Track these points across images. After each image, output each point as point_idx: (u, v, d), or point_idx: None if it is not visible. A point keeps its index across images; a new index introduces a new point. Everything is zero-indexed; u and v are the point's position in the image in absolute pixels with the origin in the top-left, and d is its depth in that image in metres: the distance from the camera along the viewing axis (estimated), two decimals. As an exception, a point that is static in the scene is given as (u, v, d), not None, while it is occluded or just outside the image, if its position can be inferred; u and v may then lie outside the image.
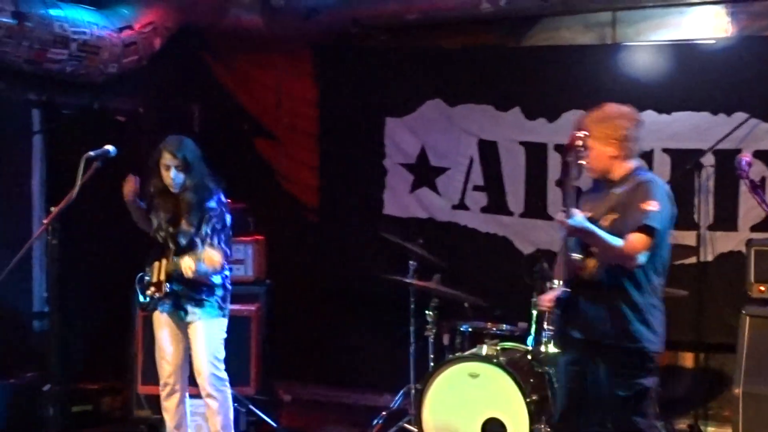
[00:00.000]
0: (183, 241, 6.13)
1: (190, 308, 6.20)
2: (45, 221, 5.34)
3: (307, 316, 8.75)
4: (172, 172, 6.08)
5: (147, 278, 6.21)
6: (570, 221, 4.91)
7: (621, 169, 5.14)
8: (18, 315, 7.67)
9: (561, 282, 5.15)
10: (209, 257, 5.95)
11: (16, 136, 7.80)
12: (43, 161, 8.02)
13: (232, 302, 6.49)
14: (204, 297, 6.20)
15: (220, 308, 6.27)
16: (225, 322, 6.31)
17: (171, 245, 6.14)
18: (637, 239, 4.91)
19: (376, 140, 8.66)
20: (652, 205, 4.92)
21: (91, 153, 5.31)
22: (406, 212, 8.61)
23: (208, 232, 6.12)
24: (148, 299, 6.19)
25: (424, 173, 8.56)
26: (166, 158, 6.08)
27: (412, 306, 7.20)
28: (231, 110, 8.96)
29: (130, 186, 6.18)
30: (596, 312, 5.06)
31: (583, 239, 5.05)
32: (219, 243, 6.05)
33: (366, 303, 8.46)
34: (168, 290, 6.12)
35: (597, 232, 4.89)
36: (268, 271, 7.82)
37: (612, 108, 5.16)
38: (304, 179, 8.96)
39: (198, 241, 6.10)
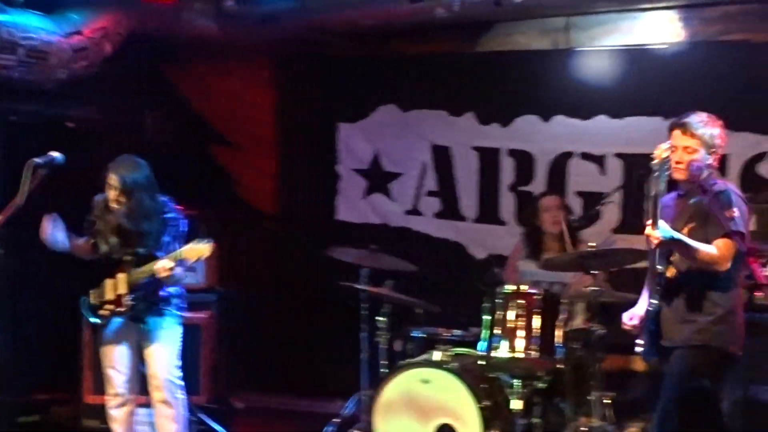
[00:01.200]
0: (142, 251, 6.15)
1: (149, 317, 6.22)
2: None
3: (261, 324, 8.75)
4: (112, 194, 6.10)
5: (92, 300, 6.22)
6: (660, 234, 5.08)
7: (703, 178, 5.31)
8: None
9: (647, 295, 5.37)
10: (193, 249, 5.94)
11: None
12: None
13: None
14: (162, 305, 6.23)
15: (178, 316, 6.33)
16: (181, 329, 6.35)
17: (128, 258, 6.16)
18: (726, 245, 5.12)
19: (331, 146, 8.74)
20: (735, 212, 5.13)
21: (37, 160, 5.19)
22: (359, 218, 8.67)
23: (170, 240, 6.16)
24: (100, 319, 6.22)
25: (378, 178, 8.63)
26: (111, 179, 6.10)
27: (364, 312, 7.17)
28: (186, 117, 8.94)
29: (45, 229, 6.10)
30: (684, 317, 5.26)
31: (675, 250, 5.22)
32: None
33: (319, 310, 8.51)
34: (130, 302, 6.13)
35: (690, 242, 5.08)
36: (220, 279, 7.87)
37: (711, 116, 5.30)
38: (261, 186, 8.96)
39: (157, 251, 6.15)
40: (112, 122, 8.27)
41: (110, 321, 6.18)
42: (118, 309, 6.10)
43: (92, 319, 6.19)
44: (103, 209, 6.17)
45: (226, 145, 9.03)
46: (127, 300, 6.07)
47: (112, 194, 6.03)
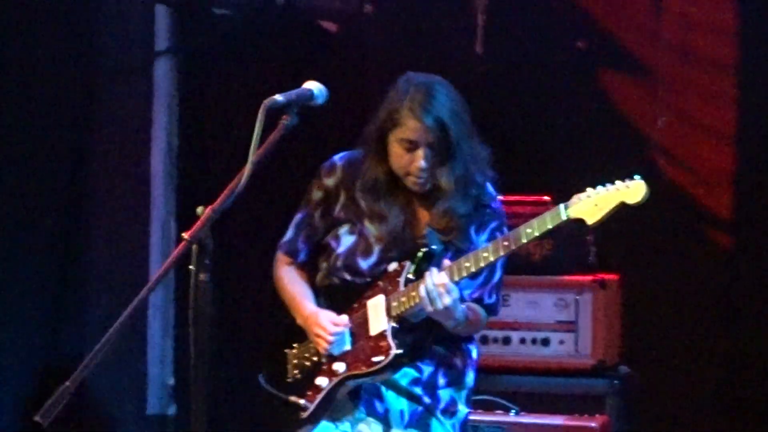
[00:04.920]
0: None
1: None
2: (185, 234, 3.57)
3: None
4: (423, 154, 4.50)
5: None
6: None
7: None
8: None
9: None
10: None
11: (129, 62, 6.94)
12: (173, 113, 6.82)
13: (538, 409, 5.73)
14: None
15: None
16: None
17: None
18: None
19: None
20: None
21: (278, 98, 3.72)
22: None
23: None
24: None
25: None
26: (412, 128, 4.46)
27: None
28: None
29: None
30: None
31: None
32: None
33: None
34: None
35: None
36: (626, 350, 6.08)
37: None
38: (718, 164, 6.82)
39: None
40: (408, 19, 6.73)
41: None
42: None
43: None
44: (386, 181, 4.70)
45: (630, 71, 6.86)
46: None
47: (418, 157, 4.51)
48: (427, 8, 6.90)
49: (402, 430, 4.48)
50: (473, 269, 4.28)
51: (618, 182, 4.19)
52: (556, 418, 5.55)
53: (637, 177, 4.15)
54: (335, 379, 4.38)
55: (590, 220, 4.18)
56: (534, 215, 4.36)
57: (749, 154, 6.70)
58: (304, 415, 4.43)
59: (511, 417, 5.64)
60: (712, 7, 6.70)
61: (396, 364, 4.31)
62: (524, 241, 4.21)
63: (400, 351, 4.28)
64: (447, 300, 4.19)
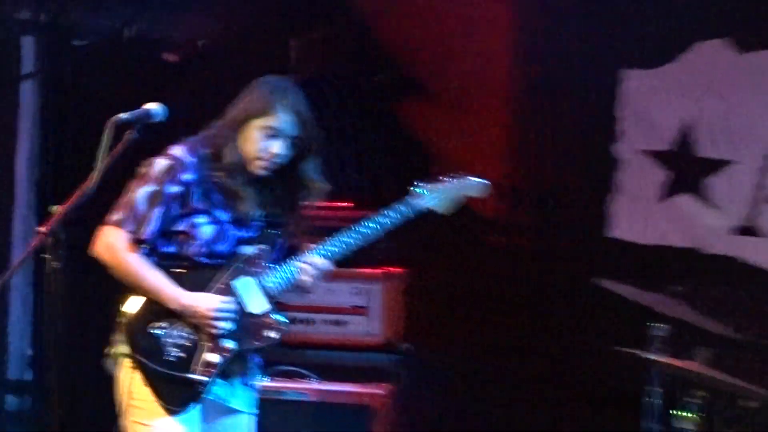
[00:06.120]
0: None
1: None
2: (40, 228, 4.21)
3: (475, 408, 7.35)
4: (278, 144, 4.96)
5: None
6: None
7: None
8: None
9: None
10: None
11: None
12: (36, 126, 7.44)
13: (340, 379, 6.43)
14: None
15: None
16: None
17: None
18: None
19: (606, 109, 7.41)
20: None
21: (123, 115, 4.34)
22: (651, 236, 7.33)
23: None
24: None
25: (688, 169, 7.33)
26: (280, 119, 4.92)
27: (654, 401, 5.86)
28: (358, 48, 7.81)
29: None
30: None
31: None
32: None
33: (574, 390, 7.19)
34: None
35: None
36: (408, 330, 6.94)
37: None
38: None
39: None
40: (235, 51, 7.44)
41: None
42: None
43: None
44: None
45: (423, 97, 7.71)
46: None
47: (274, 146, 5.00)
48: (248, 43, 7.59)
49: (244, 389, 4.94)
50: (336, 251, 4.87)
51: (464, 178, 5.00)
52: (350, 386, 6.43)
53: (477, 178, 4.97)
54: (229, 355, 4.76)
55: (439, 209, 4.95)
56: (342, 219, 5.18)
57: (518, 166, 7.65)
58: (202, 389, 4.79)
59: (313, 384, 6.52)
60: (489, 42, 7.59)
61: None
62: (378, 229, 4.87)
63: (287, 322, 4.82)
64: (314, 278, 4.80)
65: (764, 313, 6.95)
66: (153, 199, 4.78)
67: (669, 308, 6.56)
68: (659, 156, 7.39)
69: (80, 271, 5.75)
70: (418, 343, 7.10)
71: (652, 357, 5.80)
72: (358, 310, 6.75)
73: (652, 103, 7.40)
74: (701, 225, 7.33)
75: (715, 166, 7.23)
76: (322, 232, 5.17)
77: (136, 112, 4.48)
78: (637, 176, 7.43)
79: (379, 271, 6.91)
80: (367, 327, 6.87)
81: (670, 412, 5.94)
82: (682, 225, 7.37)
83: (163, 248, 4.84)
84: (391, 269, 6.87)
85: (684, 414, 5.90)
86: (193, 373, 4.75)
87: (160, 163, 4.77)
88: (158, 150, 4.92)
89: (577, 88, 7.50)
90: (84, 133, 6.70)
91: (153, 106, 4.51)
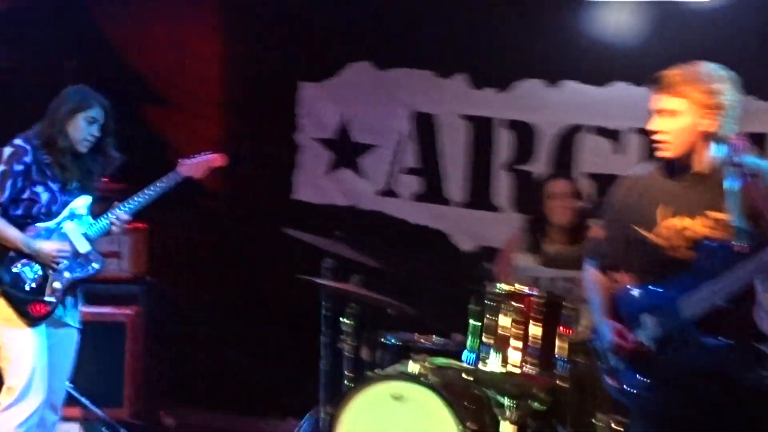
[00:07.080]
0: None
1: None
2: None
3: (198, 323, 8.37)
4: (95, 128, 5.76)
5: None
6: None
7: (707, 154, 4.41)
8: None
9: None
10: None
11: None
12: None
13: (102, 303, 6.80)
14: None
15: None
16: None
17: None
18: None
19: (289, 110, 8.37)
20: None
21: None
22: (322, 198, 8.38)
23: None
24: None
25: (345, 151, 8.31)
26: (97, 110, 5.79)
27: (325, 313, 6.80)
28: (114, 69, 8.51)
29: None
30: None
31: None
32: None
33: (270, 309, 8.16)
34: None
35: None
36: (150, 268, 7.67)
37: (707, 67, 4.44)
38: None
39: None
40: (26, 72, 8.06)
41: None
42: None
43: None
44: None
45: (161, 105, 8.61)
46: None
47: (93, 130, 5.73)
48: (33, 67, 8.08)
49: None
50: (132, 208, 5.81)
51: (205, 156, 6.15)
52: (108, 308, 7.31)
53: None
54: (68, 282, 5.67)
55: (196, 176, 6.10)
56: (118, 191, 6.15)
57: (226, 151, 7.37)
58: (52, 307, 5.64)
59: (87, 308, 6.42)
60: (207, 63, 8.62)
61: None
62: (154, 193, 5.85)
63: (103, 257, 5.78)
64: (119, 226, 5.78)
65: (399, 249, 7.72)
66: (4, 175, 5.58)
67: (334, 248, 6.85)
68: (326, 142, 8.36)
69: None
70: (159, 277, 7.92)
71: (324, 282, 6.66)
72: (113, 254, 7.42)
73: (320, 105, 8.32)
74: (356, 190, 8.30)
75: (365, 148, 8.27)
76: (109, 200, 6.11)
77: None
78: (311, 156, 8.39)
79: (128, 226, 6.64)
80: (120, 266, 7.60)
81: (339, 319, 6.72)
82: (344, 190, 8.35)
83: (14, 212, 5.65)
84: (138, 225, 7.42)
85: (346, 321, 6.69)
86: (48, 296, 5.64)
87: (7, 151, 5.58)
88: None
89: (267, 94, 8.44)
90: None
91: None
